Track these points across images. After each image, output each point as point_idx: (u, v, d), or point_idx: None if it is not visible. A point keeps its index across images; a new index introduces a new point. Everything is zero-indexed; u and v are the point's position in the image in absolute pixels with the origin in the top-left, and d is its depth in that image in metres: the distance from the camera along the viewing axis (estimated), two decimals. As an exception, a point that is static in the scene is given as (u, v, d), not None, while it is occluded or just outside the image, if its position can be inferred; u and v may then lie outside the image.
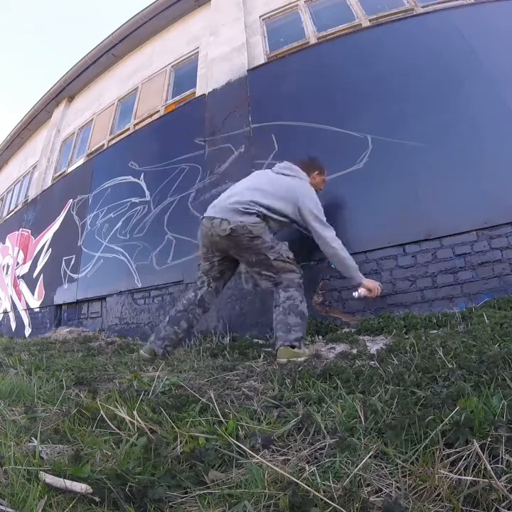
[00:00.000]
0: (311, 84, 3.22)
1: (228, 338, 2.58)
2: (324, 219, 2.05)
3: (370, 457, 0.69)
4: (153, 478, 0.69)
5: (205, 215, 2.11)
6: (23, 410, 1.15)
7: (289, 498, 0.59)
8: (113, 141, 5.06)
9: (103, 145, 5.26)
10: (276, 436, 0.85)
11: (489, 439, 0.66)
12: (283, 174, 2.21)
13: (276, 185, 2.13)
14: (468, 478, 0.60)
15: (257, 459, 0.71)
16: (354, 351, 1.76)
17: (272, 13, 4.25)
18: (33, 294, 5.39)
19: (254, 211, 2.00)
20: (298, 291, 2.00)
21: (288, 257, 2.04)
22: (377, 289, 2.10)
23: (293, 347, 1.82)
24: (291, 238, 2.30)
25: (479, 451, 0.63)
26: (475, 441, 0.65)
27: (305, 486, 0.61)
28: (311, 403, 1.04)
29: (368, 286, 2.07)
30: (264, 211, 2.02)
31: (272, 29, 4.21)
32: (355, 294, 2.16)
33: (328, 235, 2.02)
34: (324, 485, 0.63)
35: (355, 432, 0.81)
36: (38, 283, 5.30)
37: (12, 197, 7.90)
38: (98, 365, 1.98)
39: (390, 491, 0.62)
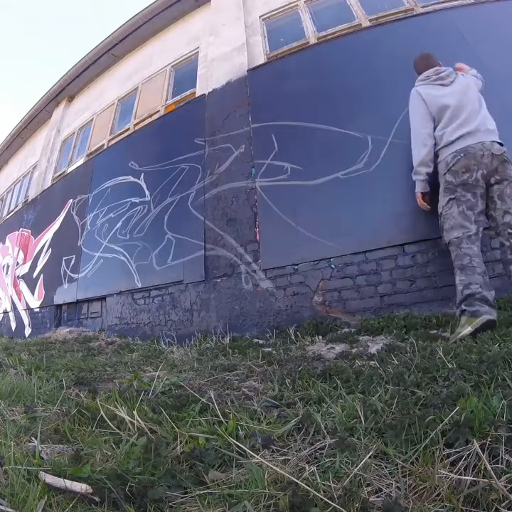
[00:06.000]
0: (311, 84, 3.21)
1: (228, 338, 2.59)
2: None
3: (370, 457, 0.69)
4: (153, 478, 0.69)
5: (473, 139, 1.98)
6: (23, 410, 1.16)
7: (289, 498, 0.59)
8: (113, 141, 5.06)
9: (103, 145, 5.26)
10: (276, 436, 0.85)
11: (489, 439, 0.66)
12: (451, 82, 2.17)
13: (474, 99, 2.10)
14: (468, 478, 0.60)
15: (257, 459, 0.71)
16: (354, 351, 1.76)
17: (272, 13, 4.25)
18: (33, 294, 5.39)
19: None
20: None
21: None
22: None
23: None
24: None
25: (479, 451, 0.63)
26: (475, 441, 0.65)
27: (305, 486, 0.61)
28: (311, 403, 1.04)
29: None
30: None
31: (272, 29, 4.20)
32: None
33: None
34: (324, 485, 0.63)
35: (355, 431, 0.81)
36: (38, 283, 5.30)
37: (12, 197, 7.89)
38: (98, 365, 1.98)
39: (390, 491, 0.62)
